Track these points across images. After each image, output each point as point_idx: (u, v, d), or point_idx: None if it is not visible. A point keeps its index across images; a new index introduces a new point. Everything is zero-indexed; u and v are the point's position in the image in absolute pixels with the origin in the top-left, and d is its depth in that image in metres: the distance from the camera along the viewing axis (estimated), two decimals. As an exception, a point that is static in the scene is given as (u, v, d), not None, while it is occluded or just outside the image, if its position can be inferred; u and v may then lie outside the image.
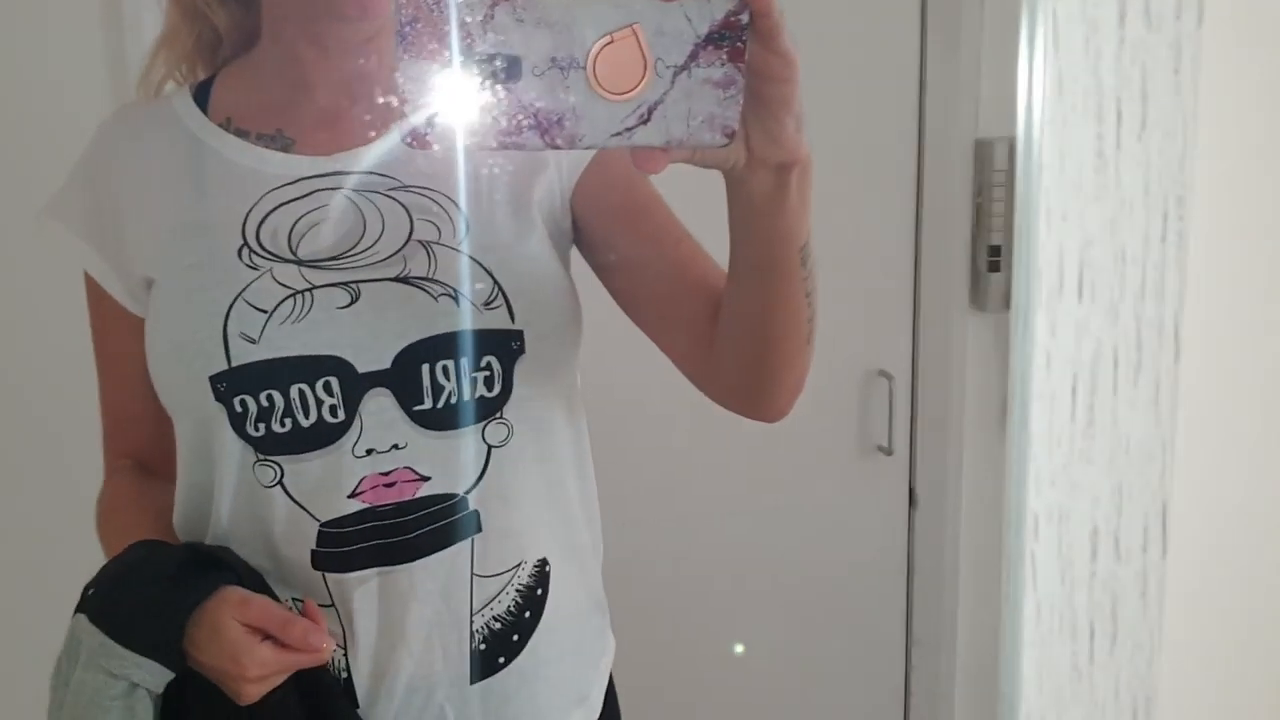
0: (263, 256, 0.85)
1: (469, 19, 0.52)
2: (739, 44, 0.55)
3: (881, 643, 2.07)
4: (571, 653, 0.95)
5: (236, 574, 0.84)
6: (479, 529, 0.87)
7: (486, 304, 0.86)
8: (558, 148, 0.55)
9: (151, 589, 0.82)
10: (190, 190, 0.88)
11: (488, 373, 0.86)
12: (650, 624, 1.70)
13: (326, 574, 0.86)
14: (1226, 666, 0.53)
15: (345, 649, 0.88)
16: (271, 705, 0.81)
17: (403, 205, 0.87)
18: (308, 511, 0.85)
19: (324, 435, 0.84)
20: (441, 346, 0.84)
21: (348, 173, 0.87)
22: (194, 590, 0.81)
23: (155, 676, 0.80)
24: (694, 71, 0.54)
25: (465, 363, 0.85)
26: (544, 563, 0.92)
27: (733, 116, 0.56)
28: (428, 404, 0.85)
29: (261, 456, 0.85)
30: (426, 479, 0.85)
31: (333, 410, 0.84)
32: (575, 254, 0.95)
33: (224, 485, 0.86)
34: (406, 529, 0.85)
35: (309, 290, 0.84)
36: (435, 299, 0.85)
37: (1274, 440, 0.51)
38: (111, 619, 0.81)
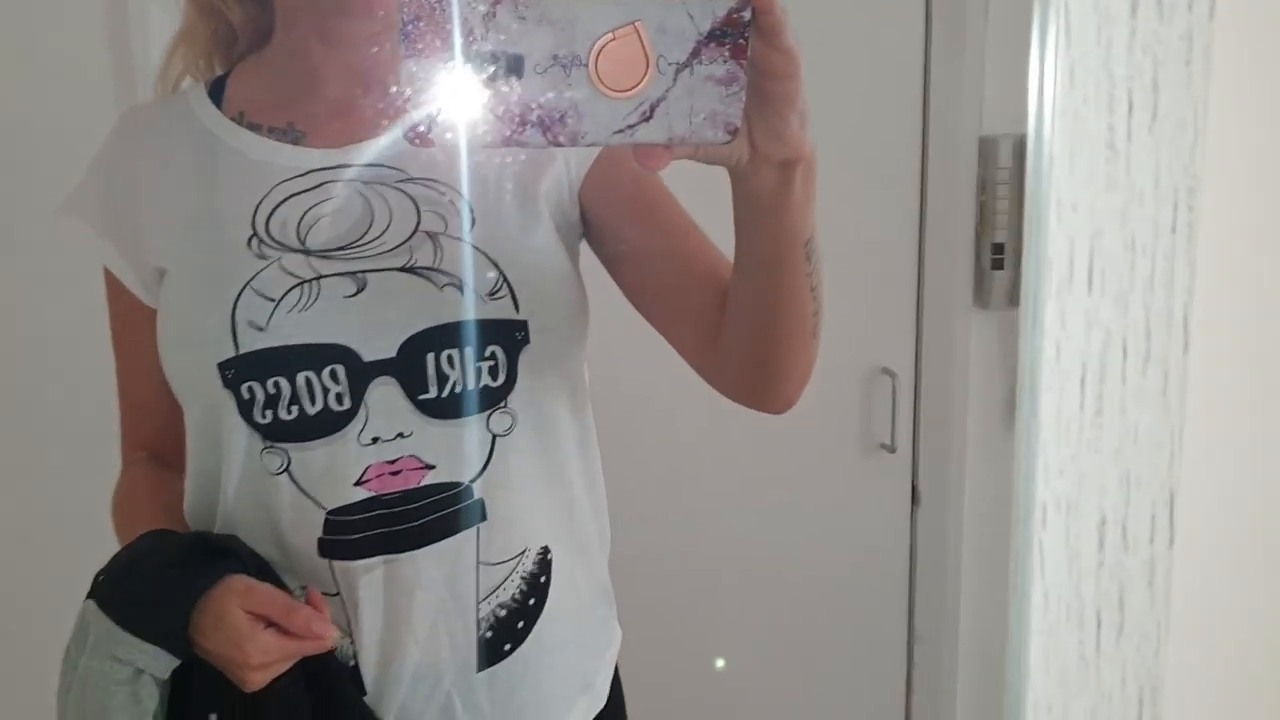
0: (272, 246, 0.86)
1: (471, 17, 0.53)
2: (741, 41, 0.55)
3: (884, 639, 2.07)
4: (576, 641, 0.96)
5: (243, 562, 0.84)
6: (484, 517, 0.88)
7: (491, 294, 0.86)
8: (560, 145, 0.55)
9: (158, 577, 0.83)
10: (203, 183, 0.90)
11: (492, 362, 0.86)
12: (654, 618, 1.70)
13: (333, 562, 0.87)
14: (1232, 656, 0.53)
15: (351, 637, 0.88)
16: (278, 692, 0.81)
17: (410, 197, 0.87)
18: (313, 499, 0.85)
19: (330, 423, 0.84)
20: (447, 336, 0.85)
21: (357, 165, 0.88)
22: (200, 578, 0.81)
23: (160, 663, 0.81)
24: (696, 68, 0.54)
25: (470, 352, 0.85)
26: (546, 550, 0.92)
27: (735, 113, 0.56)
28: (433, 393, 0.85)
29: (268, 444, 0.85)
30: (431, 467, 0.86)
31: (339, 398, 0.84)
32: (585, 249, 0.95)
33: (231, 472, 0.87)
34: (412, 517, 0.86)
35: (316, 279, 0.85)
36: (440, 289, 0.85)
37: (1281, 432, 0.51)
38: (119, 606, 0.82)
